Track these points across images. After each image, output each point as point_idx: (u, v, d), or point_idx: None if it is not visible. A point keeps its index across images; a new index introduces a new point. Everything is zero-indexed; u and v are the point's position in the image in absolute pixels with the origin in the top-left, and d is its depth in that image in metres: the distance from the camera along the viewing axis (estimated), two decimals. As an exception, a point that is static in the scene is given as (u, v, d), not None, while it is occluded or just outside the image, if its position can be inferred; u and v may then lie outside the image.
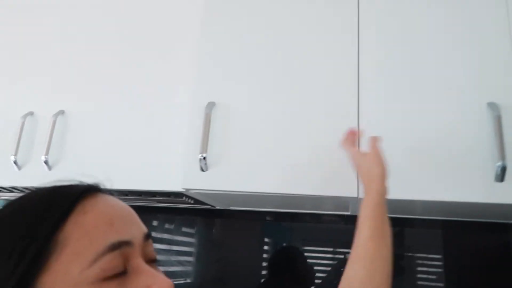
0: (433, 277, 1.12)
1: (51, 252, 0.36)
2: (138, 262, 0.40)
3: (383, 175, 0.73)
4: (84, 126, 1.10)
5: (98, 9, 1.20)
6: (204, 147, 0.91)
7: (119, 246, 0.39)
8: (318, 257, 1.21)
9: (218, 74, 1.01)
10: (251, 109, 0.97)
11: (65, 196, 0.40)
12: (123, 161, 1.04)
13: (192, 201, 1.14)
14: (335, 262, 1.20)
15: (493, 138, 0.82)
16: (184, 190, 0.96)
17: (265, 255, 1.25)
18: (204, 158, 0.91)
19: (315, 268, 1.21)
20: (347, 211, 1.13)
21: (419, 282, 1.13)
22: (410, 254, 1.15)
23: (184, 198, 1.09)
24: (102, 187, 0.45)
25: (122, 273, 0.39)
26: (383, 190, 0.72)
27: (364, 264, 0.67)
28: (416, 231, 1.16)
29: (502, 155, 0.80)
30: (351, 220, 1.15)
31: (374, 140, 0.78)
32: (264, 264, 1.23)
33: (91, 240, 0.38)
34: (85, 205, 0.40)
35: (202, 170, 0.92)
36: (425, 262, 1.13)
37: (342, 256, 1.19)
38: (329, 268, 1.20)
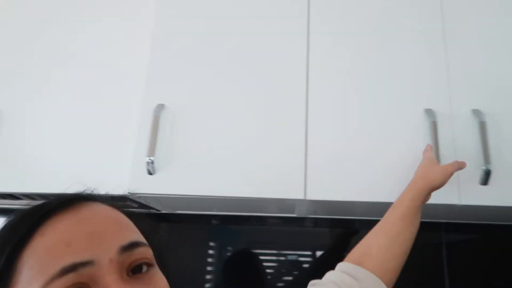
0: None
1: (10, 281, 0.36)
2: (107, 281, 0.37)
3: (437, 187, 0.80)
4: (28, 128, 1.04)
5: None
6: (152, 150, 0.90)
7: (73, 268, 0.36)
8: (264, 260, 1.23)
9: (168, 76, 1.00)
10: (199, 112, 0.97)
11: (26, 219, 0.39)
12: (66, 163, 0.99)
13: (136, 206, 1.11)
14: (279, 264, 1.21)
15: (430, 142, 0.90)
16: (129, 194, 0.93)
17: (210, 259, 1.24)
18: (152, 161, 0.89)
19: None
20: (293, 213, 1.15)
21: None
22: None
23: (128, 203, 1.06)
24: (91, 194, 0.45)
25: None
26: (428, 195, 0.80)
27: (387, 235, 0.72)
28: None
29: (437, 156, 0.87)
30: (297, 222, 1.20)
31: (457, 165, 0.83)
32: (210, 268, 1.22)
33: (43, 266, 0.36)
34: (48, 226, 0.38)
35: (150, 173, 0.90)
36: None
37: (283, 258, 1.21)
38: (272, 271, 1.21)
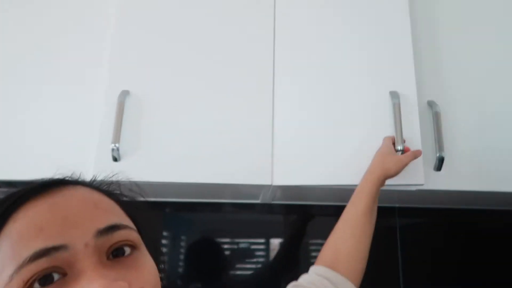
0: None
1: None
2: (83, 265, 0.36)
3: (391, 176, 0.84)
4: None
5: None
6: (117, 136, 0.88)
7: (45, 253, 0.35)
8: (225, 249, 1.24)
9: (132, 62, 0.98)
10: (165, 99, 0.96)
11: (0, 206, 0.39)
12: (31, 150, 0.95)
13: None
14: (237, 251, 1.22)
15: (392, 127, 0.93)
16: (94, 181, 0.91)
17: (166, 248, 1.22)
18: (117, 148, 0.87)
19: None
20: (257, 199, 1.17)
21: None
22: (307, 240, 1.22)
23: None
24: (68, 178, 0.44)
25: (58, 280, 0.35)
26: (384, 181, 0.84)
27: (355, 236, 0.75)
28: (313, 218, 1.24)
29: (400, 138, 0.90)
30: (261, 209, 1.22)
31: (412, 156, 0.87)
32: (166, 257, 1.21)
33: (15, 251, 0.35)
34: (21, 212, 0.38)
35: (115, 160, 0.88)
36: (318, 248, 1.21)
37: (245, 246, 1.23)
38: (231, 257, 1.22)
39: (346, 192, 0.85)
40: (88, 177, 0.47)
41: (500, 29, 1.08)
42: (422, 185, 0.93)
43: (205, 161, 0.92)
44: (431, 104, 0.97)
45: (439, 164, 0.93)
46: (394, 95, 0.94)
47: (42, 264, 0.35)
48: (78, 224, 0.38)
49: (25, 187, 0.41)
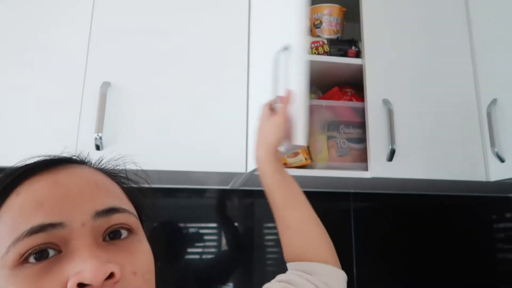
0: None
1: None
2: (78, 244, 0.36)
3: (276, 144, 0.72)
4: None
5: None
6: (100, 126, 0.92)
7: (42, 229, 0.36)
8: (201, 233, 1.29)
9: (112, 54, 1.02)
10: (144, 90, 1.01)
11: (5, 178, 0.40)
12: (13, 138, 0.96)
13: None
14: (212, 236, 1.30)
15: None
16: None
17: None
18: (100, 137, 0.92)
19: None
20: (227, 185, 1.25)
21: (269, 250, 1.30)
22: (260, 224, 1.31)
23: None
24: (74, 157, 0.45)
25: (53, 256, 0.36)
26: (273, 154, 0.72)
27: (292, 231, 0.68)
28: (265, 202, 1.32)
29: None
30: (231, 194, 1.29)
31: (285, 103, 0.74)
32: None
33: (14, 223, 0.37)
34: (24, 186, 0.39)
35: (98, 148, 0.92)
36: (274, 231, 1.29)
37: (217, 231, 1.30)
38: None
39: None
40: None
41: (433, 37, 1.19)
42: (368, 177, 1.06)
43: (183, 149, 0.99)
44: (386, 102, 1.09)
45: (391, 155, 1.05)
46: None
47: (38, 239, 0.35)
48: (78, 204, 0.38)
49: (31, 163, 0.42)
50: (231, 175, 1.07)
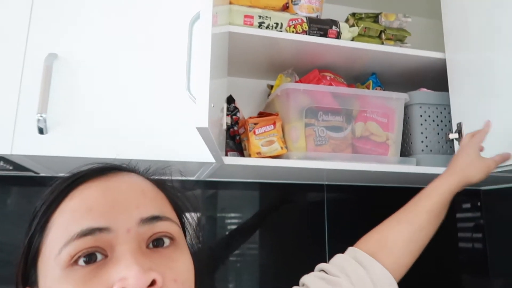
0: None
1: (42, 236, 0.41)
2: (123, 249, 0.38)
3: (473, 183, 0.76)
4: None
5: None
6: (44, 106, 0.77)
7: (90, 232, 0.38)
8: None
9: (58, 21, 0.86)
10: (96, 65, 0.86)
11: (61, 184, 0.43)
12: None
13: (11, 167, 0.95)
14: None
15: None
16: (7, 154, 0.79)
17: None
18: (44, 118, 0.77)
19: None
20: (193, 176, 1.14)
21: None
22: (223, 214, 1.21)
23: (1, 163, 0.90)
24: (124, 165, 0.48)
25: (101, 260, 0.38)
26: (462, 187, 0.75)
27: (409, 228, 0.68)
28: (233, 193, 1.23)
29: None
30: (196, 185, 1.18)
31: (499, 159, 0.80)
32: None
33: (66, 227, 0.39)
34: (77, 191, 0.42)
35: (41, 132, 0.77)
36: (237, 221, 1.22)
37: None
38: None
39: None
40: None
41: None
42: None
43: (146, 138, 0.86)
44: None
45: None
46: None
47: (87, 242, 0.38)
48: (124, 210, 0.40)
49: (85, 169, 0.45)
50: (199, 165, 0.95)
